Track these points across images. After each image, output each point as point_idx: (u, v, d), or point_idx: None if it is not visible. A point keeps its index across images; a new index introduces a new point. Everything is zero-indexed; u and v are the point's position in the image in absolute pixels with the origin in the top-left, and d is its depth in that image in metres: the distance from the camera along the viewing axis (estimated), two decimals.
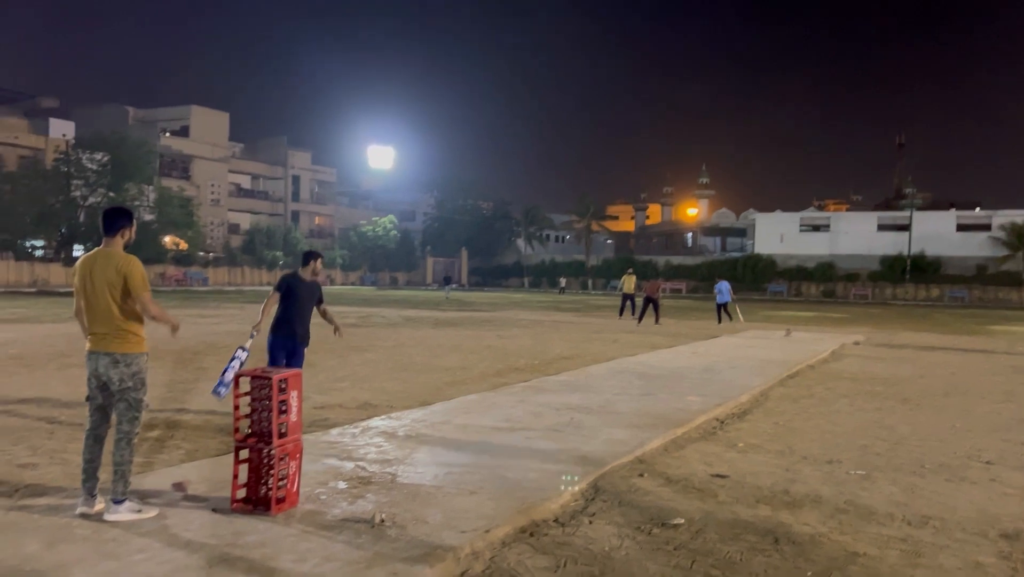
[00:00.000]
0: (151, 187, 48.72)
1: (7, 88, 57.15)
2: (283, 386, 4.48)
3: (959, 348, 17.35)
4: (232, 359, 5.80)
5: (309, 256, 7.09)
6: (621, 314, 25.41)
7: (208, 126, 61.57)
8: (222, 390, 5.64)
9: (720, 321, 24.18)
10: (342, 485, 5.12)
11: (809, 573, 3.90)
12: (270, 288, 6.99)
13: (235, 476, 4.55)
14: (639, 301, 24.92)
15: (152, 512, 4.36)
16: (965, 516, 4.94)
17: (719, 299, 24.91)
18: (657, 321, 23.28)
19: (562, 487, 5.16)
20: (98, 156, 46.05)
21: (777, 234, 63.18)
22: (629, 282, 25.77)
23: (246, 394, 4.54)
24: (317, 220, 71.62)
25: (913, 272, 55.59)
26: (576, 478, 5.42)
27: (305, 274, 6.99)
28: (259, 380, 4.50)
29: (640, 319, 23.52)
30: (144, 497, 4.68)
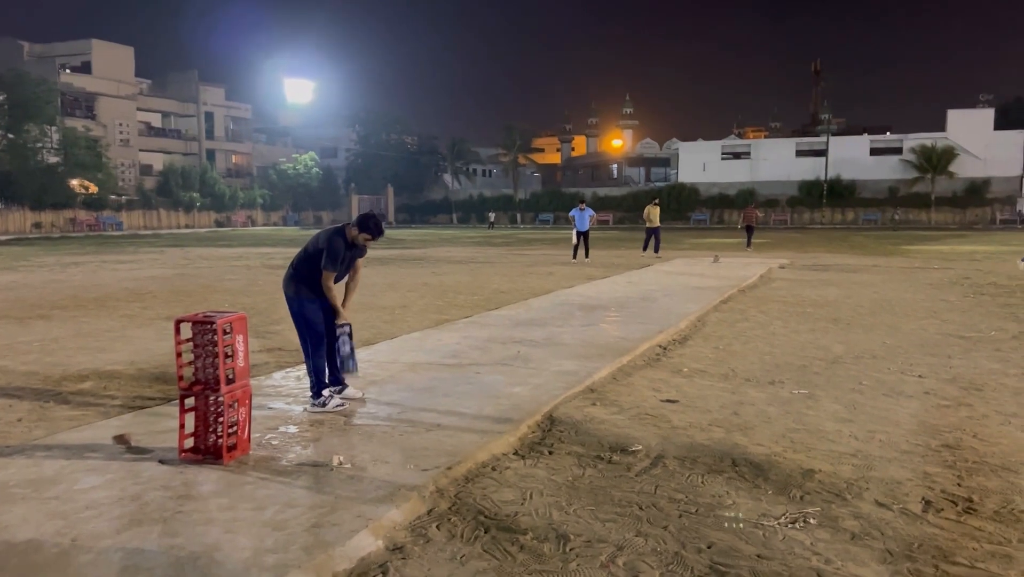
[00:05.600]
0: (54, 128, 46.04)
1: None
2: (228, 330, 4.27)
3: (879, 269, 18.00)
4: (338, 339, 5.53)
5: None
6: (645, 249, 23.15)
7: (112, 61, 58.04)
8: (351, 364, 5.60)
9: (575, 256, 21.10)
10: (293, 429, 4.98)
11: (769, 491, 3.98)
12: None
13: (181, 425, 4.35)
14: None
15: None
16: (908, 429, 5.12)
17: (578, 226, 21.02)
18: (748, 245, 25.95)
19: (518, 419, 5.13)
20: None
21: (700, 163, 63.95)
22: (654, 214, 22.92)
23: (188, 340, 4.32)
24: (234, 159, 69.00)
25: (830, 196, 57.17)
26: (530, 410, 5.39)
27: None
28: (202, 325, 4.27)
29: (749, 244, 25.95)
30: (83, 452, 4.45)
